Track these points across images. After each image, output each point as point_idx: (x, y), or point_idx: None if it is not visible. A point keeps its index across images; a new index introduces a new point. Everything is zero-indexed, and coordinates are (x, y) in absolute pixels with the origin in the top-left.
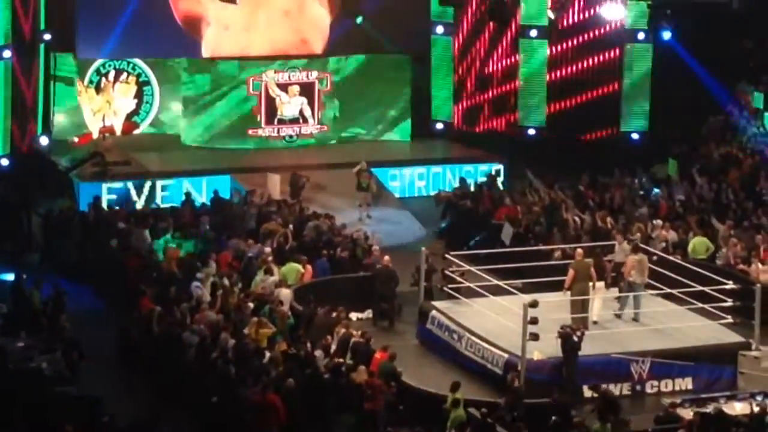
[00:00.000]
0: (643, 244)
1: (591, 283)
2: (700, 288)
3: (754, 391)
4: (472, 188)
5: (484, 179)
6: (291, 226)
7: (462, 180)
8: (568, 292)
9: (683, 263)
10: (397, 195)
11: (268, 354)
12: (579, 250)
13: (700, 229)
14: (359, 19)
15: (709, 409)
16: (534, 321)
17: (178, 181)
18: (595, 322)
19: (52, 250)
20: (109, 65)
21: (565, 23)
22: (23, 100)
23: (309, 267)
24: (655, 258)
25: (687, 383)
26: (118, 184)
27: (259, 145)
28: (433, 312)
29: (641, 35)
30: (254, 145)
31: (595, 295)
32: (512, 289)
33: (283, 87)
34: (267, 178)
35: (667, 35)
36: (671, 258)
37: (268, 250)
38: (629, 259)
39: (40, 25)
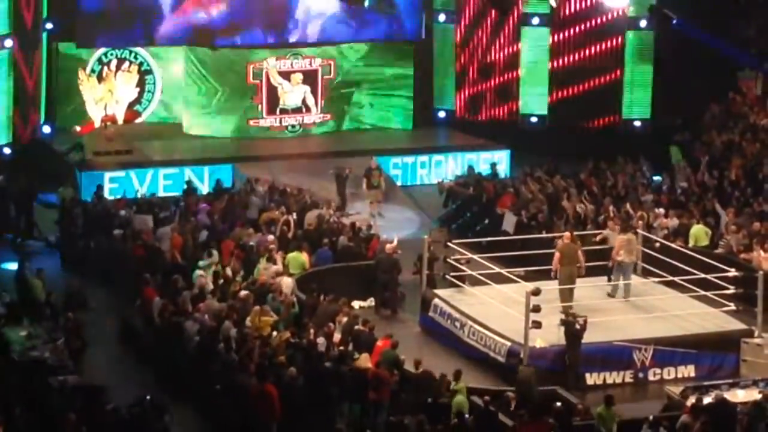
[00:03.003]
0: (645, 231)
1: (578, 266)
2: (703, 275)
3: (757, 378)
4: (475, 175)
5: (487, 168)
6: (294, 215)
7: (470, 168)
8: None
9: (686, 250)
10: (399, 183)
11: (267, 342)
12: (566, 234)
13: (702, 216)
14: (367, 2)
15: (712, 396)
16: (537, 309)
17: (180, 170)
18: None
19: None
20: (111, 54)
21: (567, 11)
22: (26, 89)
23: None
24: (657, 245)
25: (690, 371)
26: (120, 173)
27: (260, 135)
28: (436, 300)
29: (643, 22)
30: (256, 134)
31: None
32: (515, 277)
33: (286, 75)
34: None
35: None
36: (674, 245)
37: (271, 238)
38: (618, 239)
39: (42, 14)
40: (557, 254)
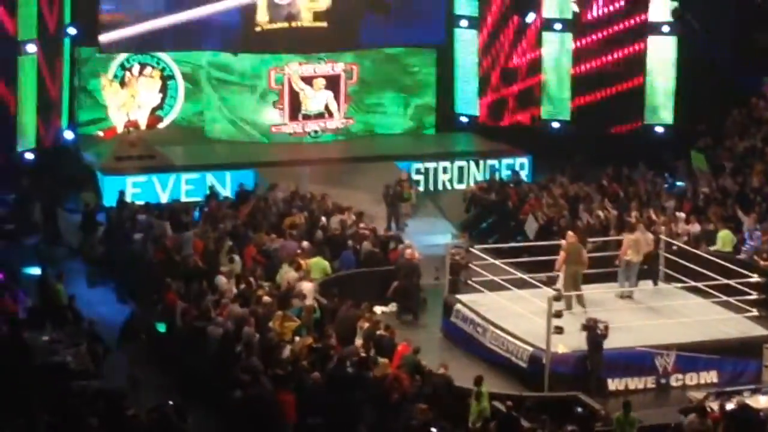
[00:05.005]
0: (668, 237)
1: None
2: (725, 281)
3: None
4: (498, 181)
5: (509, 173)
6: (324, 219)
7: (493, 174)
8: (560, 273)
9: (708, 256)
10: (421, 188)
11: (288, 347)
12: (570, 233)
13: (723, 222)
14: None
15: (734, 402)
16: (558, 314)
17: (202, 175)
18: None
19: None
20: (134, 59)
21: (589, 16)
22: (48, 94)
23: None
24: (674, 248)
25: (712, 376)
26: (142, 178)
27: (282, 140)
28: (458, 305)
29: (666, 28)
30: (278, 140)
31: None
32: (537, 282)
33: (308, 80)
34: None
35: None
36: (695, 251)
37: (305, 244)
38: (625, 238)
39: (65, 20)
40: (562, 253)
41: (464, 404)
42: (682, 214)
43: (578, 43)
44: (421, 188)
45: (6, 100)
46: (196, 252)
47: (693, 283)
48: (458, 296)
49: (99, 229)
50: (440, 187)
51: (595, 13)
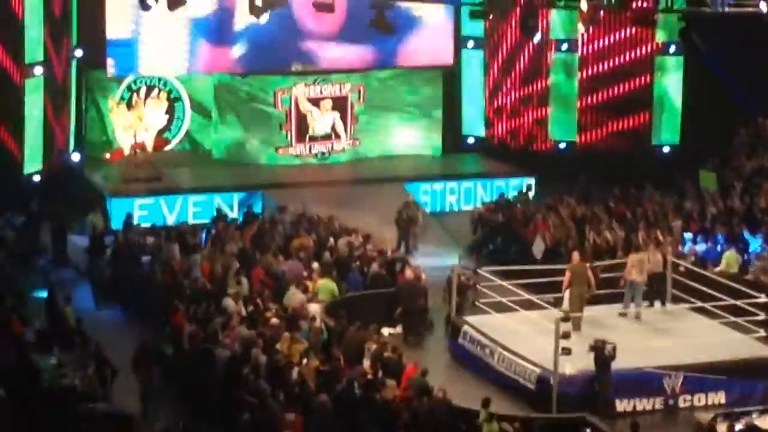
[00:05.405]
0: (675, 257)
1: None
2: (732, 302)
3: None
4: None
5: (515, 195)
6: (332, 240)
7: (500, 195)
8: (566, 293)
9: (715, 277)
10: (428, 210)
11: (296, 369)
12: (575, 254)
13: (730, 242)
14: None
15: (742, 423)
16: (566, 335)
17: (209, 197)
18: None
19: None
20: (141, 81)
21: (596, 36)
22: (55, 116)
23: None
24: (682, 269)
25: (720, 397)
26: (149, 200)
27: (289, 162)
28: (465, 327)
29: (672, 48)
30: (285, 161)
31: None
32: (544, 304)
33: (315, 102)
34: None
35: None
36: (703, 271)
37: (315, 266)
38: (630, 258)
39: (72, 42)
40: (568, 274)
41: (472, 426)
42: (690, 235)
43: (585, 63)
44: (428, 209)
45: (13, 122)
46: (204, 274)
47: (700, 304)
48: (466, 318)
49: (106, 251)
50: (447, 208)
51: (602, 34)
